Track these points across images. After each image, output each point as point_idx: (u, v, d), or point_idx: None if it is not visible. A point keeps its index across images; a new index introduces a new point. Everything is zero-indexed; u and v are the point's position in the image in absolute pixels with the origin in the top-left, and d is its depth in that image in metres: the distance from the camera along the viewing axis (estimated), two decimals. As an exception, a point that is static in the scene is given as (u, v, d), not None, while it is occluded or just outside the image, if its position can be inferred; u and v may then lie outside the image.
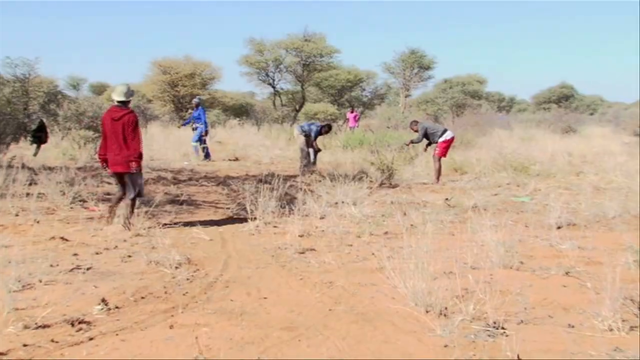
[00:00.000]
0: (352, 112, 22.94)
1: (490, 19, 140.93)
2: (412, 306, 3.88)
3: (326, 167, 11.79)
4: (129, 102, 6.61)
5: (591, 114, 45.21)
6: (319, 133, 12.29)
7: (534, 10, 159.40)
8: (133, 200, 6.45)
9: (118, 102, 6.55)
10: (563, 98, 46.95)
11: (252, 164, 14.43)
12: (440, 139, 11.18)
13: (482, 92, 36.41)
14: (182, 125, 15.48)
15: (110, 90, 25.84)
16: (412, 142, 11.90)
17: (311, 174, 11.04)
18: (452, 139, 11.46)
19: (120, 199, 6.65)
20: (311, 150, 12.28)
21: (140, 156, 6.43)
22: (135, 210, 6.47)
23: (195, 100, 15.39)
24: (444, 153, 11.22)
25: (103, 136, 6.59)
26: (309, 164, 12.08)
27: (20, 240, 5.50)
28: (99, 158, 6.69)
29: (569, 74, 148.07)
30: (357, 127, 23.09)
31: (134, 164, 6.37)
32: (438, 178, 11.01)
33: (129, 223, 6.28)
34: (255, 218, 6.73)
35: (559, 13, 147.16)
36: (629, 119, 28.72)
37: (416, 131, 11.60)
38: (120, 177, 6.54)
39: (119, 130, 6.38)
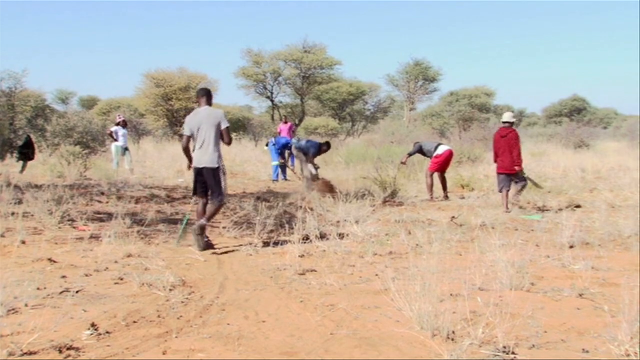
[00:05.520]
0: (285, 122, 19.55)
1: (498, 28, 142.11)
2: (418, 330, 3.88)
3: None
4: (513, 122, 9.98)
5: (605, 127, 45.32)
6: (318, 152, 12.26)
7: (545, 20, 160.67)
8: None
9: (505, 122, 9.94)
10: (575, 111, 47.21)
11: (250, 180, 14.47)
12: (434, 154, 11.36)
13: (490, 105, 36.57)
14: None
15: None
16: (408, 154, 12.00)
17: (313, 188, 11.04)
18: (448, 153, 11.49)
19: (508, 191, 9.76)
20: (310, 166, 12.26)
21: (520, 163, 9.76)
22: (127, 230, 6.53)
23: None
24: (435, 168, 11.34)
25: (494, 149, 10.07)
26: (310, 180, 12.04)
27: (5, 262, 5.51)
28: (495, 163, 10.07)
29: (582, 85, 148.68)
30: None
31: (517, 167, 9.68)
32: (431, 194, 11.15)
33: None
34: (253, 237, 6.74)
35: (571, 22, 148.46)
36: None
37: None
38: (507, 176, 9.75)
39: (505, 145, 9.68)
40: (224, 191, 6.67)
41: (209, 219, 6.60)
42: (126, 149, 14.73)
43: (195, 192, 6.80)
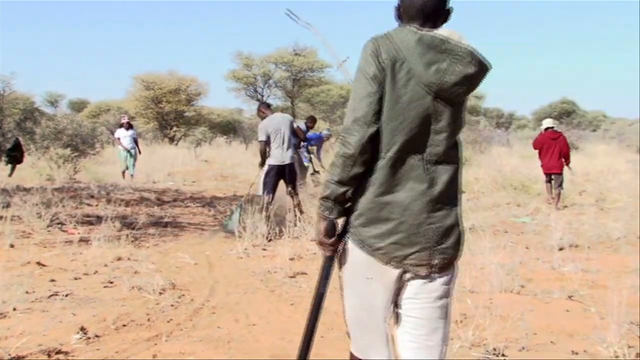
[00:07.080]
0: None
1: (488, 30, 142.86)
2: (409, 332, 3.88)
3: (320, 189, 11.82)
4: (553, 127, 11.13)
5: (594, 130, 45.58)
6: (307, 130, 11.91)
7: (535, 22, 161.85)
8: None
9: (548, 127, 11.01)
10: (564, 114, 47.44)
11: (240, 183, 14.44)
12: None
13: (480, 108, 36.76)
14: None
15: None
16: None
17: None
18: None
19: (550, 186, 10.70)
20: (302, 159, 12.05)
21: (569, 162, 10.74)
22: (117, 233, 6.51)
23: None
24: None
25: (540, 150, 10.82)
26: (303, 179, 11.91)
27: (-6, 265, 5.46)
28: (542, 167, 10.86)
29: (571, 88, 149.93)
30: None
31: (566, 165, 10.67)
32: None
33: None
34: (243, 240, 6.73)
35: (561, 25, 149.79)
36: (633, 135, 29.00)
37: None
38: (549, 176, 10.66)
39: (557, 146, 10.61)
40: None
41: (299, 206, 7.81)
42: (128, 151, 14.38)
43: (270, 188, 7.75)
